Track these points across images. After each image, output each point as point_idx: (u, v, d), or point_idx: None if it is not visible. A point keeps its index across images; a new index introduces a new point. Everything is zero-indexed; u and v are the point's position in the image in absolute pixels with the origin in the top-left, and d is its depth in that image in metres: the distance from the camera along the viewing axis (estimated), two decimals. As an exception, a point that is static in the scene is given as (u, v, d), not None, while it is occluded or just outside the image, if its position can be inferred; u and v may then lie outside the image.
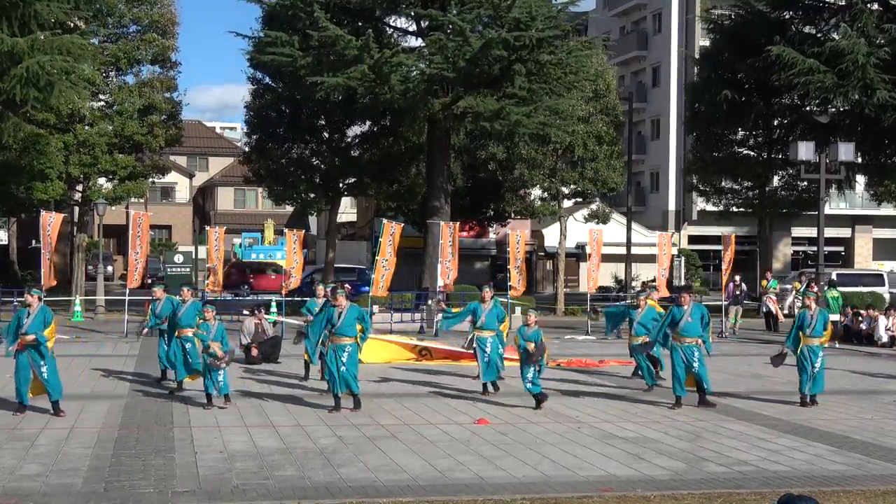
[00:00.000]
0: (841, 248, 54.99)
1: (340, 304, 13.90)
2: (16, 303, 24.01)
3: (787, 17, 36.21)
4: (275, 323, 22.32)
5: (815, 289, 22.82)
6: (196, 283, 34.82)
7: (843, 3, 34.43)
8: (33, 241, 45.92)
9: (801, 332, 15.22)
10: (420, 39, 30.53)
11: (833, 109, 34.66)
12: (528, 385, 14.17)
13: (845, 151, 26.25)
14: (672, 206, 54.66)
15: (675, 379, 14.58)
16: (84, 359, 19.92)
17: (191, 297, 16.07)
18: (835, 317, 26.49)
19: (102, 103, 33.63)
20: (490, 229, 45.25)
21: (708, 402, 14.61)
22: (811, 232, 46.47)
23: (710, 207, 44.54)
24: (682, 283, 47.25)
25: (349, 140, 36.51)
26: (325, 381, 15.02)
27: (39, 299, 13.79)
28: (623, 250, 41.14)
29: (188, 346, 15.28)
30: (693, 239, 54.17)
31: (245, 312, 25.29)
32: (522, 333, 14.30)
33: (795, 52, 31.85)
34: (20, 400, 13.38)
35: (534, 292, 44.63)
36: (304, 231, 31.60)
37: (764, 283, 29.95)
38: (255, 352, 19.35)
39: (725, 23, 38.14)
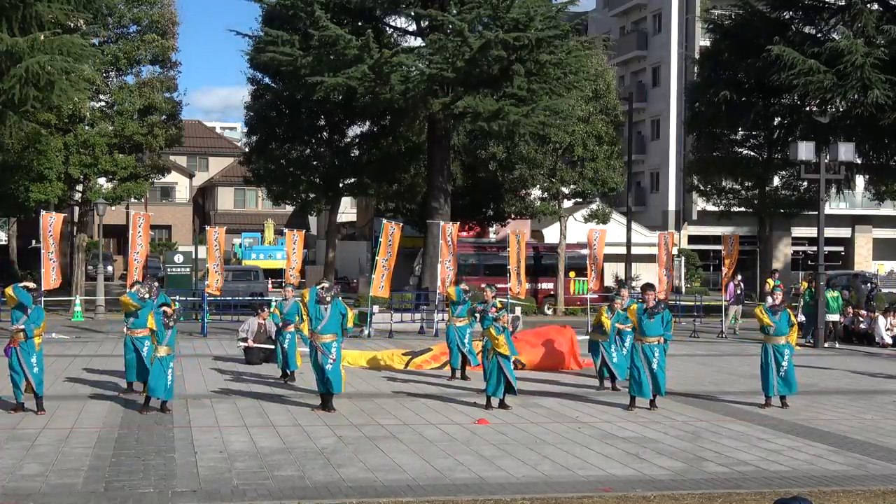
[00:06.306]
0: (841, 248, 54.98)
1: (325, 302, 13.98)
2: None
3: (787, 17, 36.19)
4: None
5: (772, 286, 22.74)
6: (195, 283, 34.76)
7: (843, 4, 34.40)
8: (33, 242, 45.93)
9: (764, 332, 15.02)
10: (420, 39, 30.54)
11: (833, 109, 34.65)
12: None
13: (845, 151, 26.25)
14: (672, 206, 54.64)
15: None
16: (84, 359, 19.93)
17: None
18: (834, 317, 26.52)
19: (102, 103, 33.63)
20: (490, 229, 45.24)
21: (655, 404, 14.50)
22: (811, 232, 46.43)
23: (710, 207, 44.54)
24: (682, 283, 47.27)
25: (349, 140, 36.51)
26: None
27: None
28: (623, 250, 41.15)
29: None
30: (693, 239, 54.15)
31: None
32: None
33: (795, 53, 31.84)
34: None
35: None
36: (304, 231, 31.60)
37: (770, 282, 30.00)
38: (250, 342, 19.26)
39: (725, 23, 38.12)
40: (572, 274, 37.12)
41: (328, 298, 13.88)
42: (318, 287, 14.20)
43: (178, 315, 14.00)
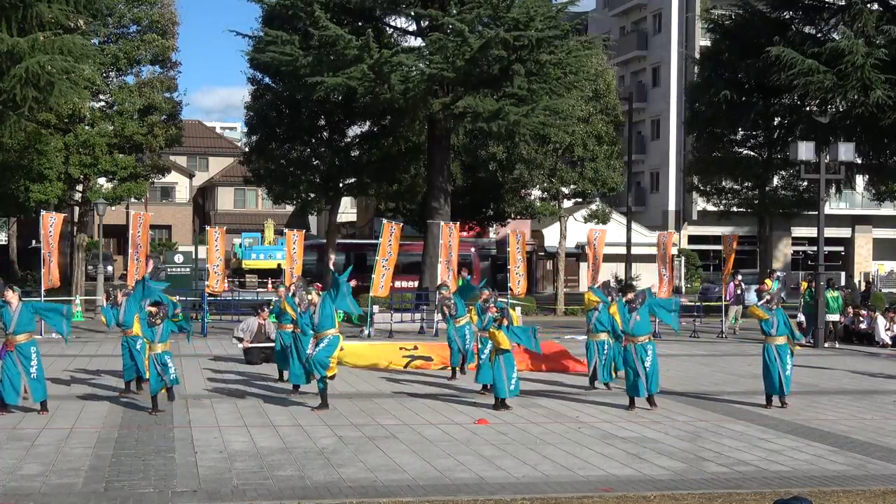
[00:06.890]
0: (841, 248, 55.04)
1: (314, 301, 13.94)
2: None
3: (787, 17, 36.23)
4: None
5: (770, 286, 22.70)
6: (195, 283, 34.77)
7: (843, 4, 34.42)
8: (33, 242, 45.94)
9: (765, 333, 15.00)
10: (420, 39, 30.53)
11: (833, 109, 34.67)
12: None
13: (845, 151, 26.25)
14: (672, 206, 54.70)
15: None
16: (84, 359, 19.94)
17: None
18: (834, 317, 26.52)
19: (103, 103, 33.60)
20: (490, 229, 45.26)
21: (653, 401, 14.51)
22: (811, 232, 46.49)
23: (710, 207, 44.57)
24: (682, 283, 47.29)
25: (349, 140, 36.48)
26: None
27: (19, 297, 13.65)
28: (623, 250, 41.17)
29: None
30: (693, 239, 54.22)
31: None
32: None
33: (795, 53, 31.86)
34: (9, 401, 13.29)
35: (534, 292, 44.64)
36: (304, 231, 31.59)
37: (768, 282, 30.00)
38: (247, 342, 19.25)
39: (725, 23, 38.16)
40: (464, 272, 36.35)
41: (309, 297, 13.92)
42: (291, 296, 14.26)
43: (164, 313, 13.83)
